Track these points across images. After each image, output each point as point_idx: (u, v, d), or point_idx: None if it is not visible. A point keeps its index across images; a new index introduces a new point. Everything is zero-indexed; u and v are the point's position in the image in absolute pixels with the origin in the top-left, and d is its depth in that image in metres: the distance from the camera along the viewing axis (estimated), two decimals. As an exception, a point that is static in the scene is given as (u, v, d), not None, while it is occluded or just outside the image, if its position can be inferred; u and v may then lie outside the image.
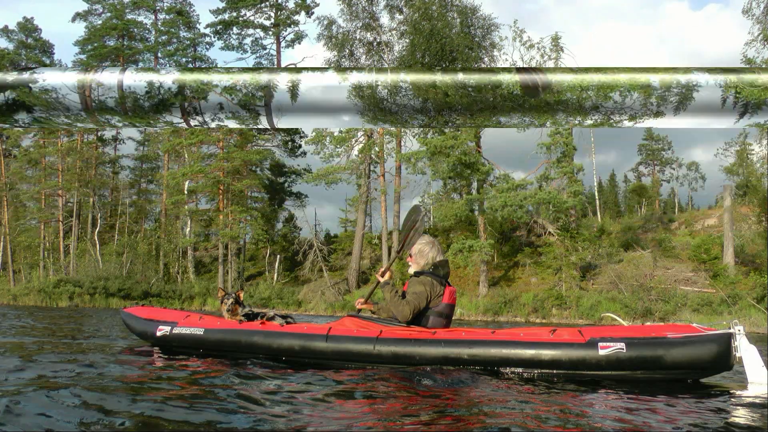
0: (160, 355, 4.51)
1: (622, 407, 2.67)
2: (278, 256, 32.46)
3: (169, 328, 4.76)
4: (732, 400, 3.06)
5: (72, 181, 33.47)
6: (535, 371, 3.64)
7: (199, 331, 4.58)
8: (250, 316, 4.79)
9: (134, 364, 3.89)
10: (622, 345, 3.52)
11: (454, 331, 3.98)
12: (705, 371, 3.60)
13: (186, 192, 31.44)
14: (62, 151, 33.46)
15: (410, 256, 4.32)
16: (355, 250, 31.18)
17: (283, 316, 4.76)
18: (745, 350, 3.42)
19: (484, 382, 3.33)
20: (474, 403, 2.72)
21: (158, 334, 4.78)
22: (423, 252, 4.24)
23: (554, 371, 3.62)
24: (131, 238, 33.26)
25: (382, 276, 4.27)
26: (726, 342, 3.47)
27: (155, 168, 39.79)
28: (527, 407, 2.58)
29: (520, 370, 3.66)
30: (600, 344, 3.56)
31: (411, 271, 4.29)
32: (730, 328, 3.49)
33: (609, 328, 3.82)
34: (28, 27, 46.01)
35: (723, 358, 3.47)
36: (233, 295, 4.84)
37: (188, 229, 32.02)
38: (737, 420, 2.53)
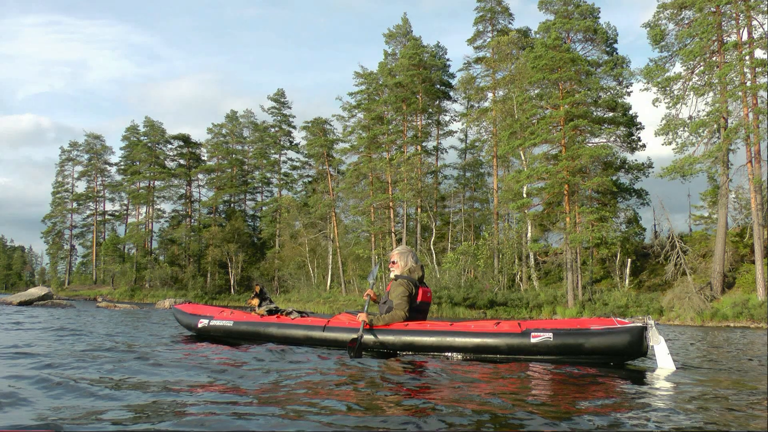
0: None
1: (561, 381, 4.14)
2: (628, 260, 35.92)
3: (207, 321, 6.93)
4: (642, 378, 4.46)
5: (404, 191, 41.63)
6: (481, 355, 5.29)
7: (229, 324, 6.70)
8: (272, 311, 6.83)
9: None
10: (550, 334, 5.05)
11: (422, 324, 5.76)
12: (622, 356, 5.02)
13: (525, 195, 36.50)
14: (394, 165, 42.25)
15: (393, 262, 6.26)
16: (718, 250, 32.76)
17: (300, 312, 6.67)
18: (656, 340, 4.89)
19: (438, 364, 4.87)
20: (430, 385, 3.84)
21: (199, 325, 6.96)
22: (400, 260, 6.23)
23: (497, 356, 5.23)
24: (469, 246, 39.48)
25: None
26: (638, 333, 4.89)
27: (479, 175, 47.03)
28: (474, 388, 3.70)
29: (470, 355, 5.32)
30: (532, 334, 5.12)
31: (392, 275, 6.21)
32: (643, 322, 4.94)
33: (545, 321, 5.40)
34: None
35: (635, 346, 4.89)
36: (254, 290, 7.11)
37: (529, 234, 37.72)
38: (642, 389, 3.90)
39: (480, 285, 37.87)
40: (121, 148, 71.42)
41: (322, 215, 50.78)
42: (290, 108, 66.14)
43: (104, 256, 67.87)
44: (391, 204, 44.02)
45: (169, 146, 69.70)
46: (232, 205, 69.16)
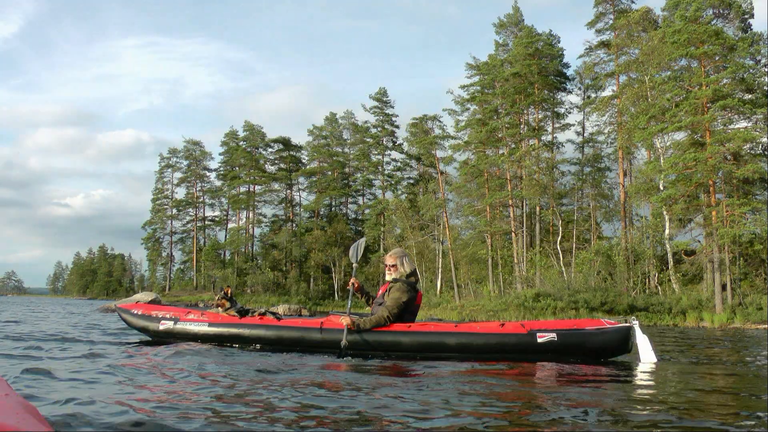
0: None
1: (564, 381, 4.54)
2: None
3: (172, 323, 6.77)
4: (629, 371, 5.32)
5: (528, 187, 39.34)
6: (487, 355, 5.66)
7: (203, 326, 6.58)
8: (242, 312, 6.73)
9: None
10: (554, 335, 5.66)
11: (425, 325, 6.05)
12: (613, 353, 5.90)
13: (663, 188, 33.15)
14: (515, 159, 40.07)
15: (393, 266, 6.28)
16: None
17: (273, 313, 6.66)
18: (639, 338, 5.91)
19: (440, 365, 5.08)
20: (429, 388, 3.84)
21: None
22: (399, 263, 6.28)
23: (504, 355, 5.67)
24: (602, 246, 37.20)
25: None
26: (627, 332, 5.79)
27: (599, 170, 43.90)
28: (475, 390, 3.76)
29: (474, 355, 5.67)
30: (538, 334, 5.67)
31: (388, 278, 6.31)
32: (628, 323, 5.89)
33: (545, 322, 6.10)
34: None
35: (624, 344, 5.78)
36: (222, 291, 7.00)
37: (667, 231, 34.45)
38: (630, 380, 4.80)
39: (617, 288, 34.52)
40: (219, 154, 73.76)
41: (432, 217, 48.54)
42: (393, 107, 65.17)
43: (205, 261, 68.85)
44: (510, 201, 41.85)
45: (269, 150, 70.93)
46: (333, 208, 68.97)
